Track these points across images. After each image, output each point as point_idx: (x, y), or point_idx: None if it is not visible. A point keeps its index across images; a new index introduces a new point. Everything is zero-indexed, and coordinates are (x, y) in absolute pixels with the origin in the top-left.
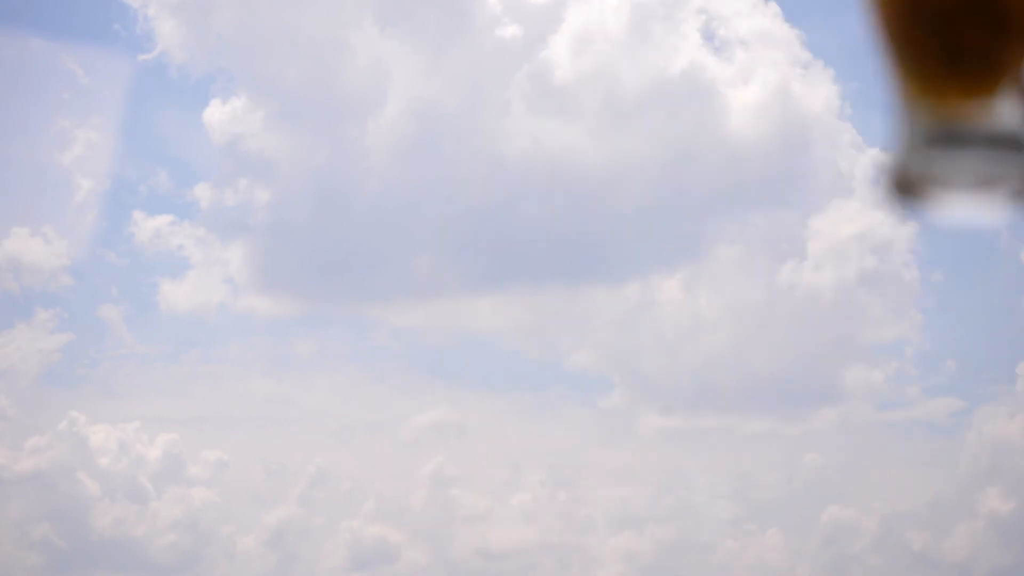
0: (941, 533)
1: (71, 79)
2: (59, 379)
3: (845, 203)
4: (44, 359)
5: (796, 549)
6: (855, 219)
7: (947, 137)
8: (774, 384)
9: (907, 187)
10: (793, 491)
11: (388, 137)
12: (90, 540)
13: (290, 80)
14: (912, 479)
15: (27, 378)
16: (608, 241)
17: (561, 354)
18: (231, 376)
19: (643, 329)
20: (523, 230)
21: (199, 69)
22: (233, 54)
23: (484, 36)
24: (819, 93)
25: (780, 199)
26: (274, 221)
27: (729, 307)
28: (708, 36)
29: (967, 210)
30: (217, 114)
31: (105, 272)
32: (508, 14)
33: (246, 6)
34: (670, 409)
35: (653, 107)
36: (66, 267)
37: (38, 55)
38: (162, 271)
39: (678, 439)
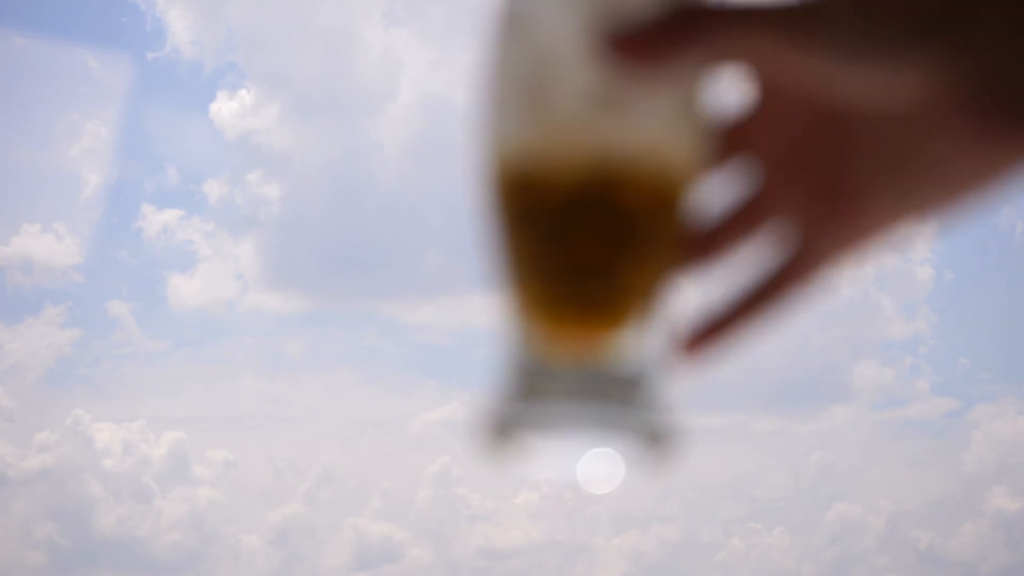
0: (947, 532)
1: (80, 76)
2: (65, 377)
3: None
4: (52, 355)
5: (802, 548)
6: None
7: (554, 376)
8: (784, 382)
9: (502, 431)
10: (800, 490)
11: (401, 132)
12: (93, 539)
13: (301, 74)
14: (919, 477)
15: (34, 374)
16: None
17: None
18: (238, 374)
19: None
20: None
21: (210, 64)
22: (244, 48)
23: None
24: None
25: None
26: (284, 217)
27: None
28: None
29: (566, 463)
30: (224, 108)
31: (114, 268)
32: None
33: (257, 0)
34: (675, 407)
35: None
36: (76, 263)
37: (45, 53)
38: (171, 267)
39: (683, 437)
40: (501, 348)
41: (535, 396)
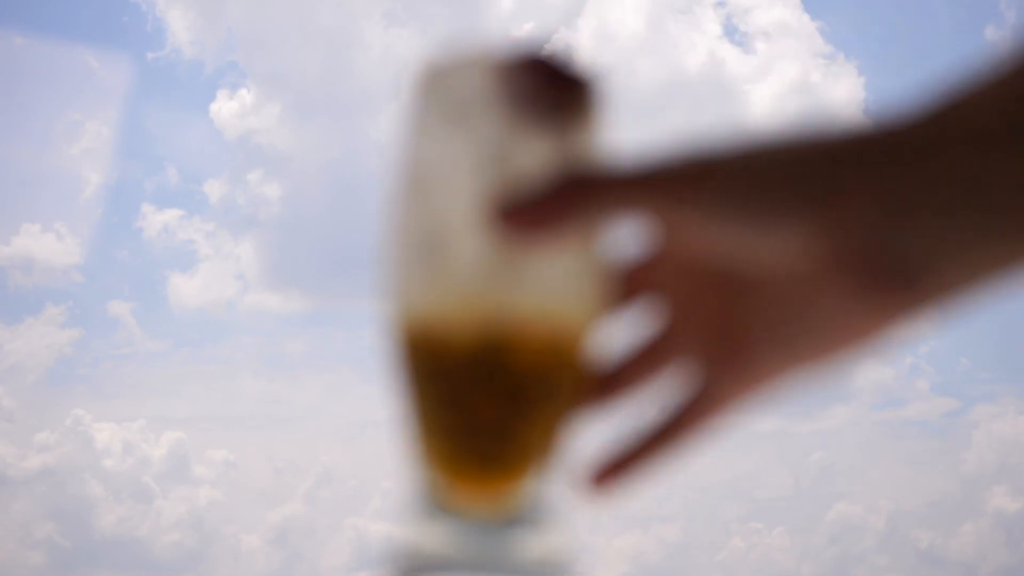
0: (947, 532)
1: (80, 76)
2: (65, 377)
3: None
4: (52, 355)
5: (802, 548)
6: None
7: (455, 523)
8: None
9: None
10: (800, 490)
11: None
12: (93, 539)
13: (301, 74)
14: (919, 477)
15: (34, 374)
16: None
17: None
18: (238, 374)
19: None
20: None
21: (210, 64)
22: (244, 48)
23: (497, 31)
24: (842, 86)
25: None
26: (284, 217)
27: None
28: (729, 31)
29: None
30: (225, 108)
31: (114, 268)
32: (522, 10)
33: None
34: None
35: (671, 104)
36: (76, 263)
37: (45, 53)
38: (171, 267)
39: None
40: (406, 494)
41: (437, 541)
